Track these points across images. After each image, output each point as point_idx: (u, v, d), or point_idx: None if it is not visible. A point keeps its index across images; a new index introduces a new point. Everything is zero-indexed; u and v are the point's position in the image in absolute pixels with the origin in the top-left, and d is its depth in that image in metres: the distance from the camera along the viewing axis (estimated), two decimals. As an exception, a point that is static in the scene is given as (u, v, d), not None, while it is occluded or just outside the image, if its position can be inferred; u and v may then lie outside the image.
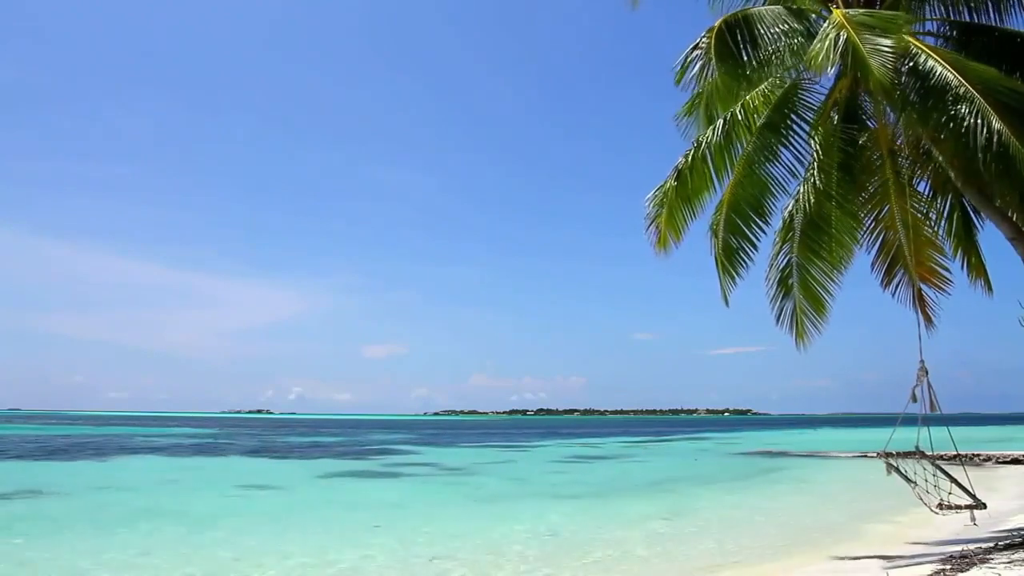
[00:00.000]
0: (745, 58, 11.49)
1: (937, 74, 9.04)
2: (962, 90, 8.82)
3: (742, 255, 11.57)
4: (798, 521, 16.56)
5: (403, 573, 11.05)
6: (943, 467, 10.09)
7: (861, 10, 9.98)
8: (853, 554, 11.80)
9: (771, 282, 12.05)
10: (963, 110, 8.76)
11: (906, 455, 10.25)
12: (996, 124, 8.49)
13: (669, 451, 52.43)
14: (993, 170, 8.75)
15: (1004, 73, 9.35)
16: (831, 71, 9.93)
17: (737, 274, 11.64)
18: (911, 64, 9.32)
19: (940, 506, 9.98)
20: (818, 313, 11.58)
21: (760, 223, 11.46)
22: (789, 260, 11.62)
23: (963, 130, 8.73)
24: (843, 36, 8.95)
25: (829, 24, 9.38)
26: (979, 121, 8.61)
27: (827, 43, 9.01)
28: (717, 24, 11.66)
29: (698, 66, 12.11)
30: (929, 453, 10.11)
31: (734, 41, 11.51)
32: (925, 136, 10.05)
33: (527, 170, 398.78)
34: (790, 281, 11.63)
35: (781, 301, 11.92)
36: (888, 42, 8.76)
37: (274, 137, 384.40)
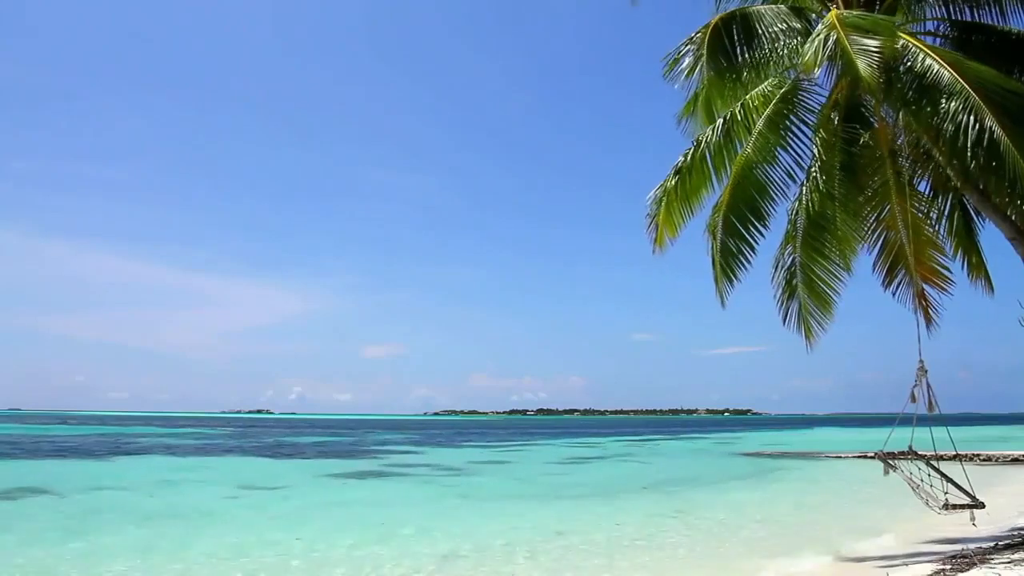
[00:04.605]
0: (741, 56, 11.45)
1: (934, 72, 9.02)
2: (957, 87, 8.80)
3: (740, 257, 11.54)
4: (798, 521, 16.55)
5: (411, 573, 11.04)
6: (938, 467, 10.08)
7: (856, 11, 9.98)
8: (853, 554, 11.80)
9: (777, 283, 12.03)
10: (957, 107, 8.75)
11: (900, 455, 10.24)
12: (988, 121, 8.48)
13: (669, 451, 52.45)
14: (984, 167, 8.75)
15: (1004, 72, 9.34)
16: (818, 71, 9.94)
17: (735, 276, 11.63)
18: (908, 63, 9.31)
19: (944, 506, 9.97)
20: (824, 313, 11.55)
21: (758, 225, 11.42)
22: (794, 261, 11.62)
23: (957, 127, 8.73)
24: (833, 37, 8.96)
25: (822, 24, 9.40)
26: (971, 118, 8.59)
27: (816, 43, 9.03)
28: (713, 20, 11.59)
29: (688, 60, 12.08)
30: (923, 453, 10.10)
31: (730, 38, 11.46)
32: (924, 135, 10.05)
33: (527, 170, 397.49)
34: (795, 282, 11.62)
35: (787, 302, 11.91)
36: (875, 43, 8.75)
37: (274, 137, 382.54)
